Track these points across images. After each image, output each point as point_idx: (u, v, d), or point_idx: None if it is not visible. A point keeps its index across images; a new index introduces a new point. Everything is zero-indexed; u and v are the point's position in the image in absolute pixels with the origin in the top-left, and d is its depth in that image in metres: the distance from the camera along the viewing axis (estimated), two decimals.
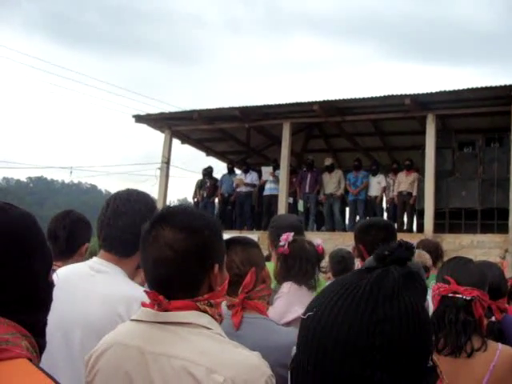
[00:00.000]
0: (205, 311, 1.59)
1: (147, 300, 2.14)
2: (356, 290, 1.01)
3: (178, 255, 1.56)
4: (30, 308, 1.22)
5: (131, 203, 2.27)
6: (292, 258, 3.05)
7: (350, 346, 0.97)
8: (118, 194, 2.32)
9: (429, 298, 2.73)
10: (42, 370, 1.12)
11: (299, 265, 3.04)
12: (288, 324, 2.67)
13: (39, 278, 1.26)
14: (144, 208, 2.28)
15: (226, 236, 2.71)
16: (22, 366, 1.10)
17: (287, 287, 2.93)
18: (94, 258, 2.29)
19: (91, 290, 2.12)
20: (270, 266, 2.89)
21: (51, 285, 1.31)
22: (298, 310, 2.67)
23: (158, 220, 1.63)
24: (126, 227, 2.22)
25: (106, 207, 2.28)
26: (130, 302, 2.10)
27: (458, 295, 2.37)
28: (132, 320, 1.68)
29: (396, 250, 1.08)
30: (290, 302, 2.80)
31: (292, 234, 3.14)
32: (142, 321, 1.63)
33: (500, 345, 2.33)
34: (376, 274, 1.04)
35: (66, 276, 2.07)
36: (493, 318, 2.86)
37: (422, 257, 4.09)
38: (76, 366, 2.05)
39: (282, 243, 3.06)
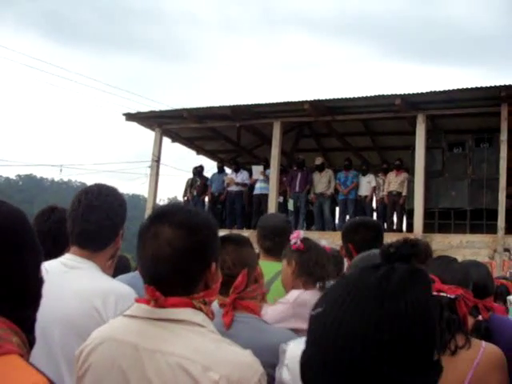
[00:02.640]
0: (200, 309, 1.60)
1: (123, 293, 2.15)
2: (364, 287, 1.03)
3: (178, 253, 1.57)
4: (20, 304, 1.23)
5: (103, 197, 2.29)
6: (308, 253, 3.00)
7: (358, 341, 0.99)
8: (89, 189, 2.33)
9: None
10: (33, 365, 1.13)
11: (316, 258, 3.00)
12: None
13: (29, 274, 1.27)
14: (115, 202, 2.32)
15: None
16: (13, 361, 1.10)
17: (294, 296, 2.84)
18: (67, 255, 2.30)
19: (66, 287, 2.13)
20: (266, 266, 2.87)
21: (41, 281, 1.32)
22: (291, 324, 2.66)
23: (157, 217, 1.64)
24: (101, 221, 2.25)
25: (77, 203, 2.28)
26: (107, 295, 2.13)
27: (442, 294, 2.38)
28: (125, 315, 1.68)
29: (401, 247, 1.10)
30: (291, 312, 2.76)
31: (302, 232, 3.13)
32: (136, 317, 1.63)
33: (484, 343, 2.35)
34: (383, 270, 1.06)
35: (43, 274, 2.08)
36: (480, 317, 2.86)
37: None
38: (57, 362, 2.06)
39: (293, 241, 3.03)
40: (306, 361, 1.08)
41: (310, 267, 2.95)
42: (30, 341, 1.23)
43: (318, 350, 1.04)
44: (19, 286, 1.23)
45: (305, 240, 3.04)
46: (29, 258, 1.26)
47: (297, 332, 2.50)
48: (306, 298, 2.80)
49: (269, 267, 3.09)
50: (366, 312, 1.00)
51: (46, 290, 1.33)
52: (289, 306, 2.78)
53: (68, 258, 2.28)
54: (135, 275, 2.73)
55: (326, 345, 1.02)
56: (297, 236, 3.04)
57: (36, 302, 1.30)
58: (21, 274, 1.23)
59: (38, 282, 1.30)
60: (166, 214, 1.64)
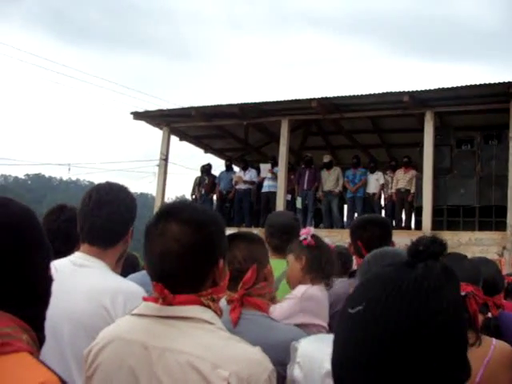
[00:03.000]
0: (208, 306, 1.60)
1: (132, 292, 2.14)
2: (405, 284, 1.04)
3: (185, 249, 1.57)
4: (30, 302, 1.23)
5: (114, 192, 2.29)
6: (319, 249, 3.03)
7: (406, 338, 1.00)
8: (100, 185, 2.34)
9: None
10: (43, 363, 1.13)
11: (326, 256, 3.05)
12: None
13: (39, 272, 1.27)
14: (127, 197, 2.32)
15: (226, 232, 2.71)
16: (23, 359, 1.11)
17: (301, 291, 2.86)
18: (76, 253, 2.29)
19: (75, 285, 2.13)
20: (275, 264, 2.88)
21: (50, 279, 1.32)
22: (299, 319, 2.66)
23: (164, 214, 1.64)
24: (112, 215, 2.25)
25: (88, 198, 2.28)
26: (116, 294, 2.12)
27: None
28: (133, 314, 1.68)
29: (431, 245, 1.11)
30: (299, 307, 2.77)
31: (312, 229, 3.15)
32: (144, 315, 1.63)
33: (494, 340, 2.35)
34: (420, 268, 1.07)
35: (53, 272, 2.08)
36: (489, 315, 2.86)
37: None
38: (66, 361, 2.06)
39: (303, 236, 3.06)
40: (341, 361, 1.07)
41: (321, 264, 2.97)
42: (39, 339, 1.24)
43: (361, 349, 1.03)
44: (29, 284, 1.23)
45: (314, 237, 3.05)
46: (38, 256, 1.26)
47: (304, 327, 2.50)
48: (313, 292, 2.80)
49: (277, 265, 3.08)
50: (412, 309, 1.01)
51: (56, 289, 1.33)
52: (296, 300, 2.79)
53: (77, 257, 2.27)
54: (146, 273, 2.74)
55: (371, 344, 1.02)
56: (307, 232, 3.05)
57: (45, 300, 1.30)
58: (30, 272, 1.23)
59: (48, 280, 1.31)
60: (172, 211, 1.64)
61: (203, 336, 1.55)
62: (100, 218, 2.24)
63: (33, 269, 1.24)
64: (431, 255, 1.09)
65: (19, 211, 1.26)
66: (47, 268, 1.30)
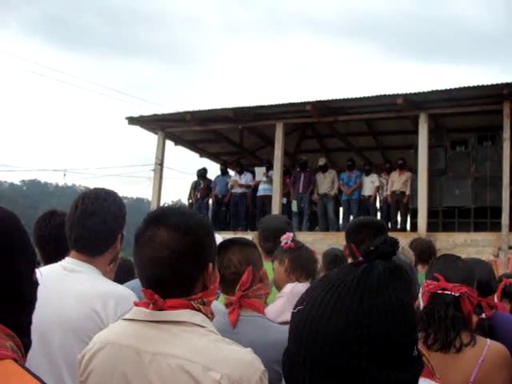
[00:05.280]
0: (198, 310, 1.61)
1: (123, 296, 2.16)
2: (343, 284, 1.05)
3: (174, 255, 1.58)
4: (15, 308, 1.22)
5: (100, 202, 2.28)
6: (299, 251, 3.20)
7: (337, 337, 1.00)
8: (86, 194, 2.33)
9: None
10: (27, 370, 1.11)
11: (306, 255, 3.22)
12: (284, 323, 2.69)
13: (23, 277, 1.25)
14: (113, 206, 2.32)
15: (220, 237, 2.73)
16: (7, 367, 1.08)
17: (290, 288, 2.97)
18: (67, 259, 2.30)
19: (66, 290, 2.14)
20: (268, 267, 2.91)
21: (35, 284, 1.30)
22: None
23: (152, 220, 1.65)
24: (97, 226, 2.25)
25: (74, 208, 2.29)
26: (107, 298, 2.13)
27: (446, 292, 2.39)
28: (125, 319, 1.69)
29: (381, 245, 1.11)
30: (290, 303, 2.81)
31: (291, 234, 3.27)
32: (135, 320, 1.64)
33: (488, 340, 2.35)
34: (362, 268, 1.07)
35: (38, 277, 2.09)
36: (483, 315, 2.86)
37: (405, 254, 4.10)
38: (58, 366, 2.06)
39: (284, 241, 3.19)
40: (288, 358, 1.10)
41: (302, 263, 3.15)
42: (25, 345, 1.22)
43: (298, 348, 1.05)
44: (13, 290, 1.21)
45: (294, 241, 3.22)
46: (22, 262, 1.24)
47: None
48: (301, 289, 2.87)
49: (270, 268, 3.13)
50: (344, 309, 1.01)
51: (47, 294, 1.32)
52: (288, 297, 2.92)
53: (68, 262, 2.29)
54: None
55: (306, 341, 1.03)
56: (287, 237, 3.18)
57: (31, 305, 1.29)
58: (14, 277, 1.22)
59: (33, 284, 1.29)
60: (160, 217, 1.64)
61: (194, 339, 1.56)
62: (86, 229, 2.25)
63: (17, 274, 1.22)
64: (381, 255, 1.09)
65: (1, 216, 1.24)
66: (32, 273, 1.29)
